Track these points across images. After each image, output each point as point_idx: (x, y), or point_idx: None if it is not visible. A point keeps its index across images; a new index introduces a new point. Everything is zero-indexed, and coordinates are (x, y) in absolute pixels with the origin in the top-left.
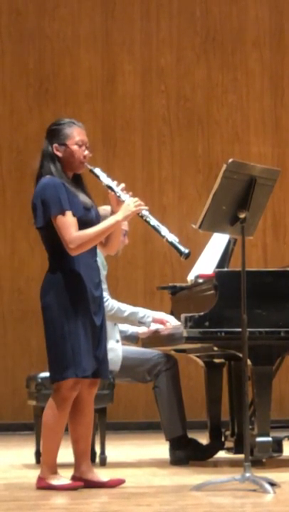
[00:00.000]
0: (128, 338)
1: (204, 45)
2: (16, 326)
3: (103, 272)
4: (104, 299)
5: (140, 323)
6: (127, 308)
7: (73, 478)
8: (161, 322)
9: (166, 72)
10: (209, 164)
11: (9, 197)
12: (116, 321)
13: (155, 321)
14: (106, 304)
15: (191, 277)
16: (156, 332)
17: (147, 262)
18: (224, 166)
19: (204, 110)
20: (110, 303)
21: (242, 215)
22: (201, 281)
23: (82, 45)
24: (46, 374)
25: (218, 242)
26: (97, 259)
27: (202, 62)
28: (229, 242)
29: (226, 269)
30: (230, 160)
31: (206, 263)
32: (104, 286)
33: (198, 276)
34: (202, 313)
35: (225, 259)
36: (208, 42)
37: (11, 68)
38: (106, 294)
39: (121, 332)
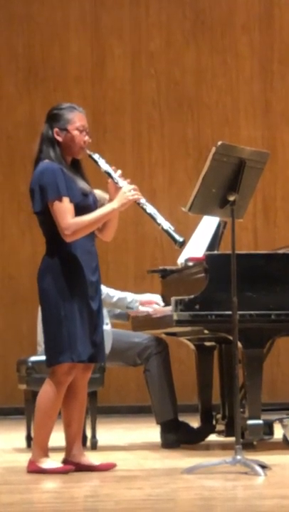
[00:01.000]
0: (119, 317)
1: (193, 29)
2: (6, 311)
3: None
4: None
5: (128, 308)
6: (116, 294)
7: (65, 461)
8: (150, 303)
9: (156, 56)
10: (199, 148)
11: None
12: (105, 306)
13: (143, 303)
14: None
15: (181, 260)
16: (147, 315)
17: (138, 245)
18: (213, 149)
19: (194, 94)
20: None
21: (232, 198)
22: (191, 264)
23: (71, 30)
24: (37, 358)
25: (208, 225)
26: None
27: (192, 46)
28: (219, 225)
29: (216, 252)
30: (219, 142)
31: (196, 246)
32: None
33: (188, 260)
34: (192, 297)
35: (215, 242)
36: (198, 26)
37: (0, 53)
38: None
39: (110, 311)
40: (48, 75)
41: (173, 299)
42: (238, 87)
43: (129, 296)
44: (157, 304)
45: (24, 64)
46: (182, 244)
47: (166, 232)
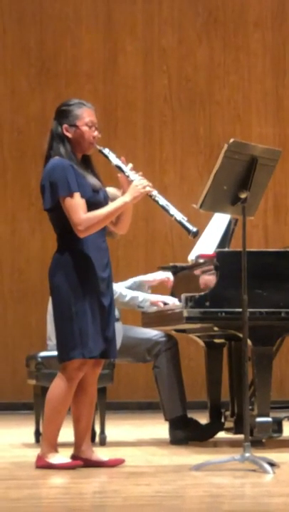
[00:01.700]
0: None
1: (206, 26)
2: (16, 306)
3: None
4: None
5: (139, 307)
6: (128, 293)
7: (73, 457)
8: (156, 304)
9: (168, 52)
10: (210, 145)
11: (10, 177)
12: (116, 306)
13: (153, 303)
14: None
15: (191, 257)
16: (157, 312)
17: (148, 241)
18: (225, 146)
19: (206, 91)
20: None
21: (243, 195)
22: (201, 261)
23: (83, 26)
24: (46, 353)
25: (219, 222)
26: None
27: (204, 43)
28: (230, 222)
29: (226, 250)
30: (231, 140)
31: (207, 243)
32: None
33: (199, 257)
34: (203, 294)
35: (226, 239)
36: (210, 22)
37: (12, 48)
38: None
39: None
40: (60, 70)
41: (183, 295)
42: (250, 84)
43: (141, 296)
44: (164, 302)
45: (36, 59)
46: (196, 235)
47: (180, 223)
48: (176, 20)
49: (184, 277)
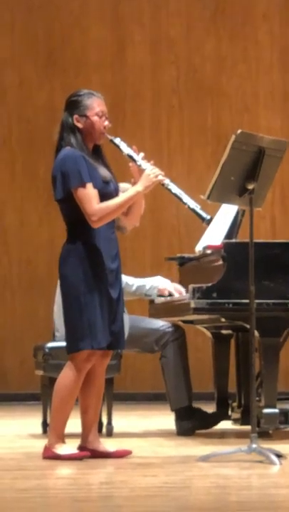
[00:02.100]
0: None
1: (214, 17)
2: (24, 296)
3: None
4: None
5: (146, 295)
6: (135, 282)
7: (80, 448)
8: (163, 293)
9: (176, 43)
10: (218, 136)
11: (18, 168)
12: (124, 296)
13: (160, 290)
14: None
15: (199, 248)
16: (164, 303)
17: (155, 232)
18: (233, 137)
19: (213, 81)
20: None
21: (250, 186)
22: (209, 252)
23: (91, 16)
24: (54, 344)
25: (226, 213)
26: None
27: (212, 34)
28: (237, 213)
29: (234, 241)
30: (238, 131)
31: (214, 234)
32: None
33: (206, 247)
34: (210, 285)
35: (233, 230)
36: (218, 13)
37: (20, 39)
38: None
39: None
40: (68, 61)
41: (190, 286)
42: (257, 75)
43: (148, 284)
44: (171, 293)
45: (44, 50)
46: (210, 222)
47: (193, 210)
48: (184, 11)
49: (191, 268)
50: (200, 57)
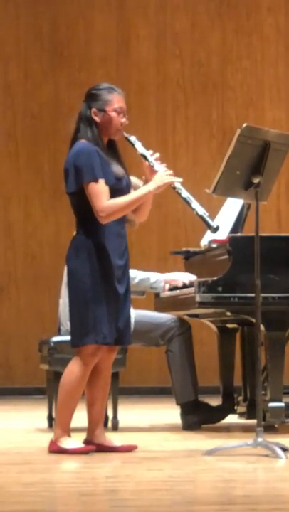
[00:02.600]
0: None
1: (219, 10)
2: (28, 290)
3: None
4: None
5: (152, 288)
6: (137, 275)
7: (86, 442)
8: (172, 282)
9: (181, 37)
10: (223, 129)
11: (23, 162)
12: None
13: (167, 282)
14: None
15: (204, 242)
16: (170, 296)
17: (161, 226)
18: (238, 131)
19: (219, 75)
20: None
21: (256, 180)
22: (214, 246)
23: (96, 10)
24: (59, 338)
25: (232, 207)
26: None
27: (217, 27)
28: (243, 207)
29: (239, 234)
30: (244, 125)
31: (220, 228)
32: None
33: (211, 241)
34: (215, 278)
35: (238, 224)
36: (223, 7)
37: (25, 33)
38: None
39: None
40: (73, 54)
41: (196, 280)
42: (262, 69)
43: (153, 277)
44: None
45: (49, 44)
46: (216, 230)
47: (201, 217)
48: (189, 5)
49: (196, 262)
50: (205, 51)
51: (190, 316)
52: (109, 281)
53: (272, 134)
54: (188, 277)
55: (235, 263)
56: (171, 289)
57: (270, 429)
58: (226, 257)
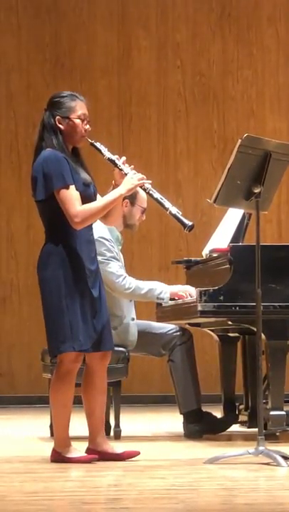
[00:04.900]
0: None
1: (220, 21)
2: (31, 300)
3: (119, 247)
4: (122, 277)
5: (158, 299)
6: (145, 286)
7: (88, 450)
8: (177, 296)
9: (182, 47)
10: (224, 139)
11: (25, 172)
12: (134, 299)
13: (172, 295)
14: (124, 281)
15: (205, 251)
16: (171, 306)
17: (162, 236)
18: (239, 141)
19: (219, 86)
20: (128, 280)
21: (257, 190)
22: (215, 255)
23: (98, 21)
24: None
25: (233, 216)
26: (112, 234)
27: (217, 38)
28: (244, 216)
29: (240, 244)
30: (245, 135)
31: (221, 237)
32: (120, 263)
33: (213, 251)
34: (217, 288)
35: (240, 233)
36: (224, 17)
37: (27, 43)
38: (123, 272)
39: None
40: (75, 65)
41: (197, 289)
42: (263, 79)
43: (159, 288)
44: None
45: (51, 54)
46: (191, 228)
47: (174, 216)
48: (190, 15)
49: (198, 271)
50: (206, 61)
51: (191, 325)
52: (83, 287)
53: (273, 144)
54: (193, 292)
55: (236, 272)
56: (171, 299)
57: (271, 437)
58: (227, 266)
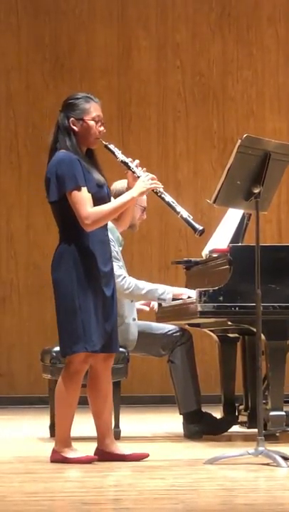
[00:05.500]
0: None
1: (220, 21)
2: (31, 300)
3: (119, 248)
4: (122, 277)
5: (160, 299)
6: (146, 286)
7: (97, 451)
8: (179, 296)
9: (182, 47)
10: (224, 140)
11: (25, 172)
12: (134, 299)
13: (175, 296)
14: (123, 281)
15: (205, 252)
16: (171, 306)
17: (162, 236)
18: (238, 142)
19: (219, 86)
20: (128, 280)
21: (256, 190)
22: (215, 255)
23: (97, 21)
24: None
25: (232, 217)
26: (113, 234)
27: (217, 38)
28: (243, 217)
29: (240, 244)
30: (244, 135)
31: (221, 238)
32: (120, 263)
33: (212, 251)
34: (216, 288)
35: (239, 234)
36: (224, 18)
37: (27, 43)
38: (123, 272)
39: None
40: (75, 65)
41: (197, 290)
42: (263, 79)
43: (161, 288)
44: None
45: (51, 54)
46: (202, 233)
47: (186, 220)
48: (189, 16)
49: (197, 272)
50: (205, 61)
51: (191, 325)
52: (96, 288)
53: (273, 144)
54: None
55: (236, 273)
56: (173, 299)
57: (271, 437)
58: (226, 266)
